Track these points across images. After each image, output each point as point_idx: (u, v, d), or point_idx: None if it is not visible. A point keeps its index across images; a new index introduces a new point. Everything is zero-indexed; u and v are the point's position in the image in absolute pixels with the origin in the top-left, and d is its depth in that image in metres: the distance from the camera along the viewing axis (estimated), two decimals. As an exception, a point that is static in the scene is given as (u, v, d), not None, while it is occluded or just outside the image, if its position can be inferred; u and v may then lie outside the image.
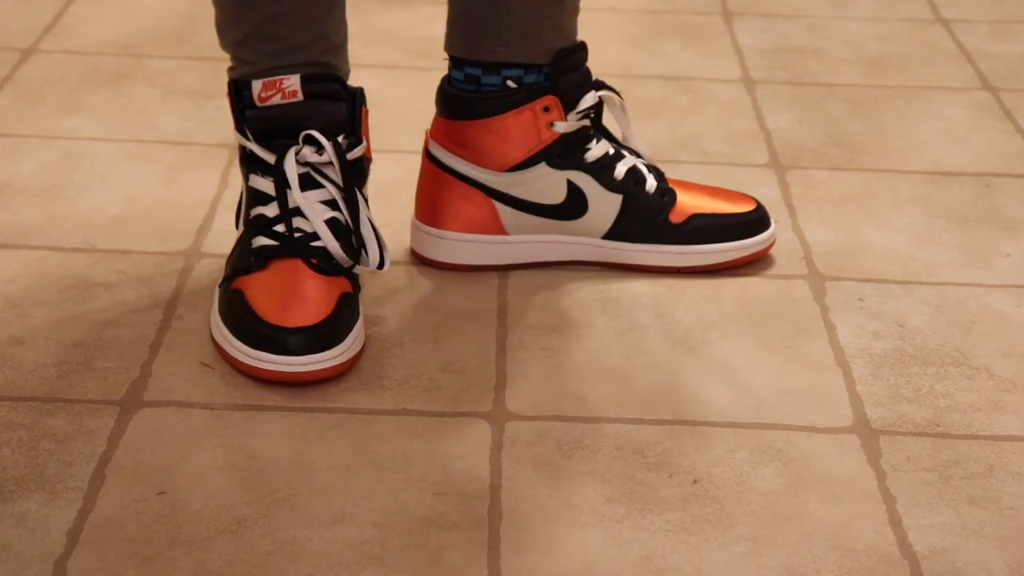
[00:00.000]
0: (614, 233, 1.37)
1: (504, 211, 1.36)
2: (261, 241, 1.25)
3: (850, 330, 1.31)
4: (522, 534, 1.06)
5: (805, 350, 1.28)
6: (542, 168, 1.35)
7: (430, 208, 1.38)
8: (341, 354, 1.20)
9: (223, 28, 1.30)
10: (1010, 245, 1.45)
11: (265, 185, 1.26)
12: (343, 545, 1.04)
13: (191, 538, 1.04)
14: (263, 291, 1.22)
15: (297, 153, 1.25)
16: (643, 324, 1.31)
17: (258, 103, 1.26)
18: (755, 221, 1.39)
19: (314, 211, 1.24)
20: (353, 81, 1.34)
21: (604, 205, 1.36)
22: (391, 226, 1.43)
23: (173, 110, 1.67)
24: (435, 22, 1.92)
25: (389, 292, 1.34)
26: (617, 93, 1.39)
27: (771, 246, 1.41)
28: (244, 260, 1.25)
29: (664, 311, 1.33)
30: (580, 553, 1.04)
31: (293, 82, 1.25)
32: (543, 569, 1.02)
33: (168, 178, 1.52)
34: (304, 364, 1.18)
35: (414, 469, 1.12)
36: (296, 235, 1.25)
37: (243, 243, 1.27)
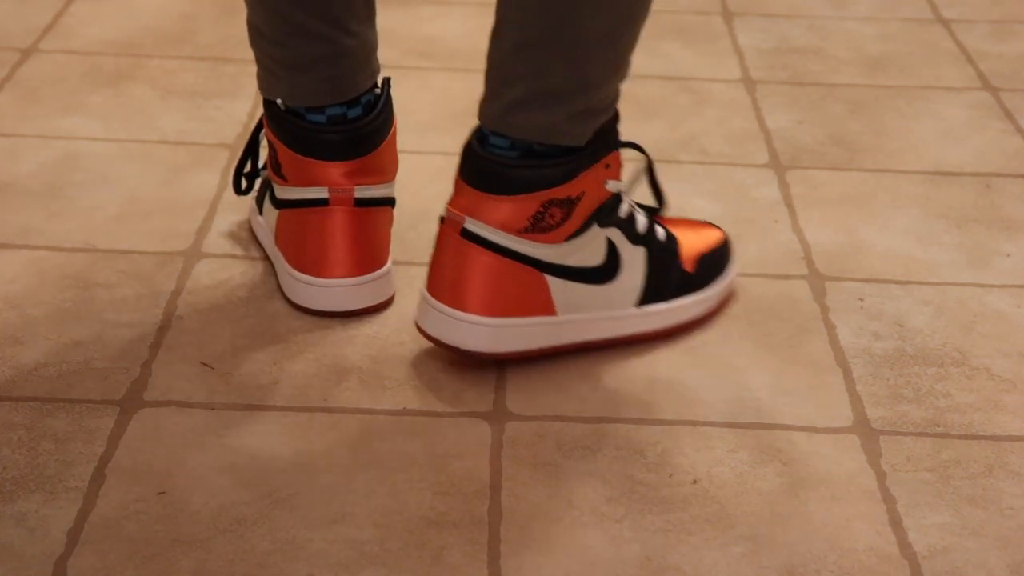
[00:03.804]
0: (648, 296, 1.26)
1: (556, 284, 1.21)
2: None
3: (850, 330, 1.31)
4: (522, 534, 1.06)
5: (805, 350, 1.28)
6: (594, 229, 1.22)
7: (451, 285, 1.23)
8: None
9: None
10: (1010, 245, 1.45)
11: None
12: (343, 545, 1.04)
13: (191, 538, 1.04)
14: None
15: None
16: (643, 324, 1.31)
17: None
18: (727, 246, 1.33)
19: None
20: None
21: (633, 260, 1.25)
22: (391, 226, 1.43)
23: (173, 110, 1.67)
24: (435, 22, 1.92)
25: (389, 292, 1.34)
26: None
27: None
28: None
29: (664, 311, 1.33)
30: (580, 553, 1.04)
31: None
32: (543, 569, 1.02)
33: (168, 178, 1.52)
34: None
35: (414, 469, 1.12)
36: None
37: None
